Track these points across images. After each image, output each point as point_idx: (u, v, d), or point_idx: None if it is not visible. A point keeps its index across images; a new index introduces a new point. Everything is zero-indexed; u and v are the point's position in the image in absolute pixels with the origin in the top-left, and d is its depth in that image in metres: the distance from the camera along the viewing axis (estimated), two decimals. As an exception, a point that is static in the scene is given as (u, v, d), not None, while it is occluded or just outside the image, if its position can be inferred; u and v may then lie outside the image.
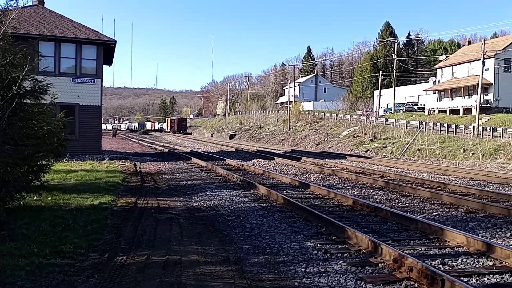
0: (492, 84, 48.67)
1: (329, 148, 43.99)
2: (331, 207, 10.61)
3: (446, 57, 62.62)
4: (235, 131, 75.96)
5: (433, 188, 13.99)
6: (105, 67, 27.53)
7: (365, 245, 6.78)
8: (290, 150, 39.17)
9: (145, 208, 10.29)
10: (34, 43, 19.26)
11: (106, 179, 15.11)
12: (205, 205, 10.97)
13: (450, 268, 6.01)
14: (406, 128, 42.65)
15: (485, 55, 39.61)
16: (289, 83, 75.94)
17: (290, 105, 64.40)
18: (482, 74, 39.35)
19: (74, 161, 20.77)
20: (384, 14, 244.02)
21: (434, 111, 55.54)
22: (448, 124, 40.02)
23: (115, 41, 25.43)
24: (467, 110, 49.45)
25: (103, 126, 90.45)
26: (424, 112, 57.50)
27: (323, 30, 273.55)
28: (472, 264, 6.22)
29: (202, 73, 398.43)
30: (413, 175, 18.12)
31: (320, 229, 8.27)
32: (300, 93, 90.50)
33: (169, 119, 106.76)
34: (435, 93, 57.62)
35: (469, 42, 65.55)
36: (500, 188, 15.07)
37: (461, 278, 5.42)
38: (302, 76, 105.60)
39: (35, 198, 10.49)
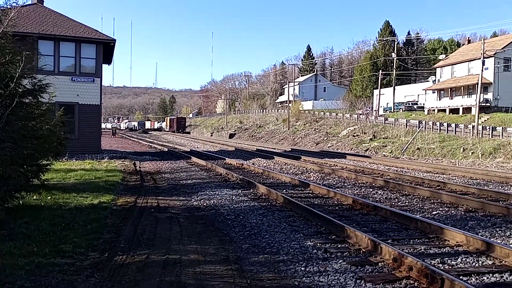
0: (491, 83, 48.68)
1: (328, 147, 44.00)
2: (330, 206, 10.61)
3: (446, 56, 62.71)
4: (235, 130, 75.96)
5: (433, 187, 13.99)
6: (104, 66, 27.56)
7: (365, 244, 6.79)
8: (290, 149, 39.18)
9: (145, 207, 10.29)
10: (34, 42, 19.26)
11: (106, 178, 15.10)
12: (204, 204, 10.97)
13: (450, 267, 6.02)
14: (406, 127, 42.67)
15: (484, 54, 39.64)
16: (288, 82, 75.95)
17: (290, 104, 64.39)
18: (481, 73, 39.37)
19: (74, 160, 20.76)
20: (384, 13, 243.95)
21: (434, 110, 55.55)
22: (447, 123, 40.03)
23: (115, 40, 25.40)
24: (467, 109, 49.47)
25: (103, 125, 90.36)
26: (424, 111, 57.51)
27: (323, 29, 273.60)
28: (472, 263, 6.23)
29: (202, 72, 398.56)
30: (412, 174, 18.12)
31: (320, 228, 8.27)
32: (299, 92, 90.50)
33: (168, 118, 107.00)
34: (434, 92, 57.63)
35: (469, 41, 65.53)
36: (500, 187, 15.07)
37: (461, 277, 5.42)
38: (301, 75, 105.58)
39: (34, 197, 10.49)
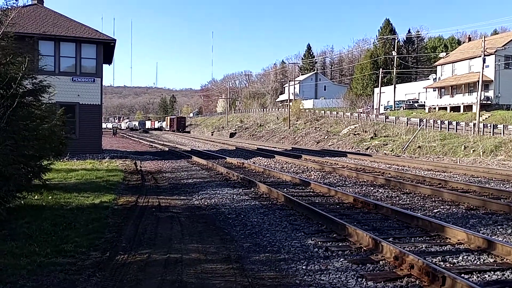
0: (492, 81, 48.60)
1: (329, 146, 43.99)
2: (331, 205, 10.61)
3: (446, 54, 62.61)
4: (235, 130, 75.96)
5: (434, 185, 13.99)
6: (105, 66, 27.55)
7: (366, 243, 6.79)
8: (291, 148, 39.17)
9: (146, 207, 10.30)
10: (34, 42, 19.26)
11: (107, 178, 15.11)
12: (205, 203, 10.98)
13: (451, 265, 6.02)
14: (407, 125, 42.62)
15: (485, 52, 39.54)
16: (289, 81, 75.90)
17: (290, 103, 64.36)
18: (482, 71, 39.30)
19: (75, 160, 20.77)
20: (384, 11, 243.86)
21: (435, 108, 55.48)
22: (448, 121, 39.98)
23: (115, 40, 25.40)
24: (468, 107, 49.40)
25: (103, 125, 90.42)
26: (425, 109, 57.43)
27: (323, 28, 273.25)
28: (473, 261, 6.22)
29: (202, 71, 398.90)
30: (413, 173, 18.11)
31: (321, 226, 8.28)
32: (300, 91, 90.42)
33: (169, 118, 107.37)
34: (435, 90, 57.56)
35: (469, 39, 65.45)
36: (501, 185, 15.06)
37: (462, 275, 5.41)
38: (302, 74, 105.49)
39: (36, 197, 10.50)
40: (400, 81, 73.95)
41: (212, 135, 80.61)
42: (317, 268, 5.89)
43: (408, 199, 11.58)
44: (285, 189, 12.82)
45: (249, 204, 10.77)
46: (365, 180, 15.54)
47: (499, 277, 5.58)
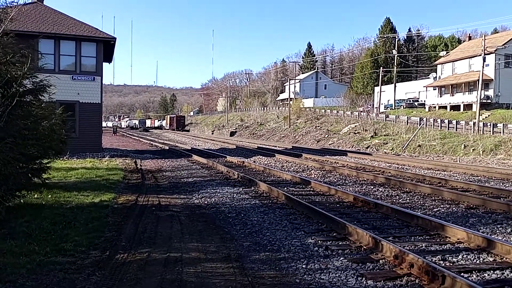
0: (492, 80, 48.57)
1: (329, 144, 43.98)
2: (332, 204, 10.61)
3: (447, 53, 62.53)
4: (236, 128, 75.95)
5: (434, 184, 13.98)
6: (105, 65, 27.55)
7: (366, 242, 6.78)
8: (291, 147, 39.17)
9: (146, 206, 10.29)
10: (34, 41, 19.24)
11: (107, 176, 15.11)
12: (206, 202, 10.97)
13: (451, 264, 6.01)
14: (407, 124, 42.62)
15: (485, 51, 39.53)
16: (289, 80, 75.85)
17: (291, 102, 64.33)
18: (482, 70, 39.28)
19: (75, 159, 20.77)
20: (384, 10, 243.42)
21: (435, 107, 55.46)
22: (448, 120, 39.98)
23: (115, 38, 25.38)
24: (468, 106, 49.38)
25: (104, 124, 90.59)
26: (425, 108, 57.41)
27: (324, 27, 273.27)
28: (473, 260, 6.22)
29: (202, 70, 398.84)
30: (414, 171, 18.11)
31: (321, 225, 8.27)
32: (300, 90, 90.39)
33: (168, 116, 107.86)
34: (435, 89, 57.54)
35: (470, 38, 65.43)
36: (501, 184, 15.06)
37: (462, 274, 5.41)
38: (302, 73, 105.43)
39: (35, 196, 10.50)
40: (401, 80, 73.90)
41: (212, 133, 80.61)
42: (317, 267, 5.89)
43: (408, 198, 11.58)
44: (285, 188, 12.81)
45: (249, 203, 10.77)
46: (365, 179, 15.54)
47: (498, 276, 5.58)
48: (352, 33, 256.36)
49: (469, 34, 70.40)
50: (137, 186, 13.83)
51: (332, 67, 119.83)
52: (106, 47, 25.66)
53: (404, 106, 60.89)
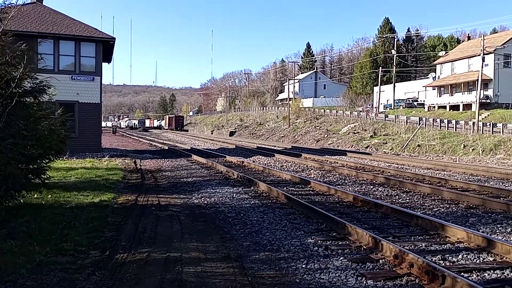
0: (491, 79, 48.59)
1: (329, 144, 43.99)
2: (331, 204, 10.61)
3: (446, 53, 62.53)
4: (235, 128, 75.94)
5: (434, 184, 13.99)
6: (104, 65, 27.56)
7: (366, 241, 6.78)
8: (290, 147, 39.16)
9: (146, 206, 10.29)
10: (33, 41, 19.22)
11: (107, 176, 15.11)
12: (205, 202, 10.97)
13: (451, 264, 6.02)
14: (406, 124, 42.64)
15: (484, 51, 39.54)
16: (288, 80, 75.86)
17: (290, 102, 64.33)
18: (481, 70, 39.29)
19: (74, 159, 20.76)
20: (383, 10, 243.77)
21: (434, 107, 55.48)
22: (448, 120, 40.00)
23: (114, 38, 25.37)
24: (467, 106, 49.40)
25: (103, 124, 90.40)
26: (424, 108, 57.43)
27: (323, 27, 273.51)
28: (473, 259, 6.22)
29: (202, 70, 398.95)
30: (413, 171, 18.11)
31: (320, 225, 8.27)
32: (299, 90, 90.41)
33: (167, 116, 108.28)
34: (434, 89, 57.55)
35: (469, 38, 65.47)
36: (501, 183, 15.07)
37: (462, 273, 5.42)
38: (301, 73, 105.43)
39: (35, 196, 10.49)
40: (400, 79, 73.91)
41: (211, 133, 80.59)
42: (317, 267, 5.89)
43: (407, 198, 11.59)
44: (285, 188, 12.81)
45: (249, 203, 10.77)
46: (364, 179, 15.54)
47: (498, 275, 5.58)
48: (351, 33, 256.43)
49: (468, 34, 70.48)
50: (136, 186, 13.82)
51: (331, 67, 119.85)
52: (105, 47, 25.65)
53: (404, 106, 60.90)
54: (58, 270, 5.55)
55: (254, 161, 21.99)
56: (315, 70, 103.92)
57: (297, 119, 62.52)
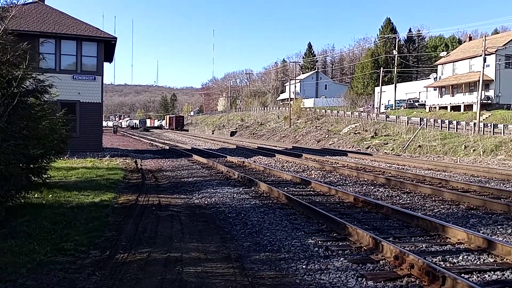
0: (493, 80, 48.55)
1: (330, 145, 43.97)
2: (332, 204, 10.61)
3: (447, 53, 62.52)
4: (236, 128, 75.95)
5: (434, 185, 13.97)
6: (105, 64, 27.57)
7: (366, 242, 6.78)
8: (291, 147, 39.16)
9: (146, 205, 10.29)
10: (35, 41, 19.24)
11: (107, 176, 15.11)
12: (206, 202, 10.97)
13: (451, 265, 6.01)
14: (407, 124, 42.61)
15: (486, 51, 39.48)
16: (290, 80, 75.84)
17: (291, 102, 64.33)
18: (483, 71, 39.24)
19: (75, 159, 20.77)
20: (385, 10, 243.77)
21: (435, 107, 55.46)
22: (449, 121, 39.96)
23: (116, 38, 25.39)
24: (468, 107, 49.36)
25: (104, 123, 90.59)
26: (425, 108, 57.41)
27: (324, 27, 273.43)
28: (473, 260, 6.22)
29: (203, 70, 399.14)
30: (414, 172, 18.10)
31: (321, 226, 8.27)
32: (301, 90, 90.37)
33: (168, 116, 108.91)
34: (436, 90, 57.50)
35: (470, 38, 65.38)
36: (501, 184, 15.05)
37: (462, 275, 5.41)
38: (303, 73, 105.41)
39: (36, 195, 10.50)
40: (401, 80, 73.91)
41: (212, 133, 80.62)
42: (317, 268, 5.89)
43: (408, 199, 11.58)
44: (285, 188, 12.81)
45: (250, 203, 10.76)
46: (365, 179, 15.53)
47: (499, 277, 5.57)
48: (352, 33, 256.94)
49: (470, 34, 70.39)
50: (137, 185, 13.83)
51: (332, 67, 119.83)
52: (107, 47, 25.67)
53: (405, 107, 60.88)
54: (58, 270, 5.56)
55: (255, 161, 21.99)
56: (316, 70, 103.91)
57: (298, 119, 62.50)
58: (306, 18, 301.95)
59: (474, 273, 5.67)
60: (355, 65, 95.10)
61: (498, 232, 7.96)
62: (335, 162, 22.47)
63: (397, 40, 75.88)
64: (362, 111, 55.41)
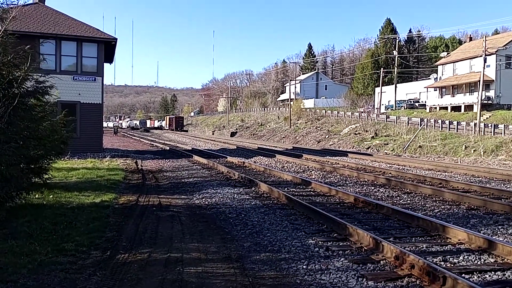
0: (493, 80, 48.55)
1: (330, 145, 43.97)
2: (332, 205, 10.61)
3: (448, 53, 62.55)
4: (236, 129, 75.96)
5: (435, 185, 13.98)
6: (106, 65, 27.59)
7: (367, 242, 6.78)
8: (291, 148, 39.16)
9: (147, 206, 10.30)
10: (35, 42, 19.25)
11: (108, 177, 15.12)
12: (206, 202, 10.98)
13: (452, 265, 6.01)
14: (408, 125, 42.59)
15: (486, 52, 39.47)
16: (290, 80, 75.83)
17: (291, 103, 64.34)
18: (483, 71, 39.23)
19: (76, 159, 20.78)
20: (385, 10, 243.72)
21: (436, 108, 55.44)
22: (449, 121, 39.95)
23: (116, 38, 25.41)
24: (469, 107, 49.35)
25: (104, 124, 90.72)
26: (426, 109, 57.39)
27: (324, 27, 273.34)
28: (474, 261, 6.22)
29: (203, 70, 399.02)
30: (414, 172, 18.10)
31: (321, 226, 8.27)
32: (301, 91, 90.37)
33: (168, 117, 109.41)
34: (436, 90, 57.49)
35: (471, 39, 65.37)
36: (502, 184, 15.05)
37: (463, 275, 5.41)
38: (303, 73, 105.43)
39: (36, 196, 10.50)
40: (401, 80, 73.91)
41: (213, 134, 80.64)
42: (318, 268, 5.89)
43: (409, 199, 11.58)
44: (286, 189, 12.81)
45: (250, 203, 10.77)
46: (366, 180, 15.53)
47: (499, 277, 5.57)
48: (352, 33, 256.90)
49: (470, 35, 70.33)
50: (138, 186, 13.84)
51: (332, 67, 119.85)
52: (107, 48, 25.69)
53: (405, 107, 60.85)
54: (59, 270, 5.56)
55: (255, 162, 21.99)
56: (316, 70, 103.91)
57: (298, 120, 62.51)
58: (306, 18, 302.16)
59: (474, 273, 5.67)
60: (355, 65, 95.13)
61: (498, 232, 7.96)
62: (336, 163, 22.47)
63: (397, 40, 75.89)
64: (362, 112, 55.37)
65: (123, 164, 20.17)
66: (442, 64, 58.55)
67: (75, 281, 5.22)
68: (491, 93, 48.96)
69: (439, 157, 30.38)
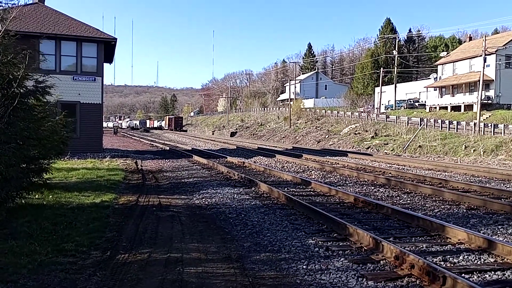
0: (493, 80, 48.57)
1: (330, 145, 43.97)
2: (332, 204, 10.61)
3: (447, 53, 62.54)
4: (236, 129, 75.96)
5: (435, 185, 13.98)
6: (105, 65, 27.61)
7: (367, 242, 6.79)
8: (291, 148, 39.16)
9: (147, 206, 10.30)
10: (35, 42, 19.24)
11: (108, 177, 15.12)
12: (206, 202, 10.98)
13: (452, 265, 6.01)
14: (407, 125, 42.59)
15: (486, 51, 39.47)
16: (290, 80, 75.83)
17: (291, 103, 64.34)
18: (483, 71, 39.23)
19: (76, 159, 20.78)
20: (385, 10, 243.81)
21: (435, 107, 55.46)
22: (449, 121, 39.95)
23: (116, 38, 25.41)
24: (469, 107, 49.36)
25: (104, 124, 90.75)
26: (425, 108, 57.41)
27: (324, 27, 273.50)
28: (474, 261, 6.22)
29: (203, 70, 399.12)
30: (414, 172, 18.10)
31: (321, 226, 8.28)
32: (301, 90, 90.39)
33: (167, 117, 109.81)
34: (436, 90, 57.51)
35: (470, 38, 65.40)
36: (502, 184, 15.05)
37: (463, 275, 5.41)
38: (303, 73, 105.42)
39: (36, 196, 10.51)
40: (401, 80, 73.91)
41: (213, 134, 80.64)
42: (318, 268, 5.89)
43: (408, 199, 11.58)
44: (285, 189, 12.81)
45: (250, 203, 10.77)
46: (365, 180, 15.54)
47: (499, 277, 5.58)
48: (352, 33, 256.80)
49: (470, 34, 70.40)
50: (137, 186, 13.84)
51: (332, 67, 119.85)
52: (107, 48, 25.69)
53: (405, 107, 60.88)
54: (59, 271, 5.56)
55: (255, 162, 21.99)
56: (316, 70, 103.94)
57: (298, 120, 62.51)
58: (306, 18, 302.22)
59: (474, 273, 5.68)
60: (355, 65, 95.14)
61: (498, 232, 7.96)
62: (335, 163, 22.47)
63: (397, 40, 75.87)
64: (362, 112, 55.37)
65: (123, 164, 20.17)
66: (442, 64, 58.57)
67: (75, 281, 5.23)
68: (491, 93, 48.96)
69: (439, 157, 30.38)
